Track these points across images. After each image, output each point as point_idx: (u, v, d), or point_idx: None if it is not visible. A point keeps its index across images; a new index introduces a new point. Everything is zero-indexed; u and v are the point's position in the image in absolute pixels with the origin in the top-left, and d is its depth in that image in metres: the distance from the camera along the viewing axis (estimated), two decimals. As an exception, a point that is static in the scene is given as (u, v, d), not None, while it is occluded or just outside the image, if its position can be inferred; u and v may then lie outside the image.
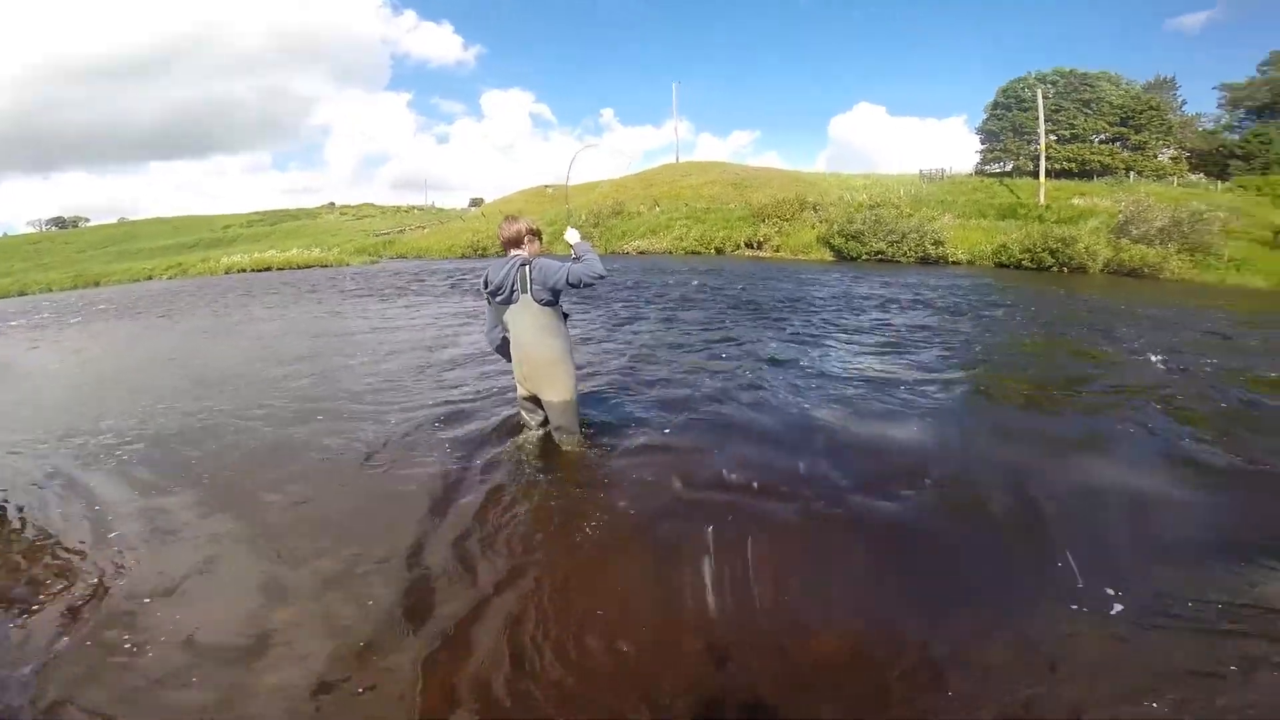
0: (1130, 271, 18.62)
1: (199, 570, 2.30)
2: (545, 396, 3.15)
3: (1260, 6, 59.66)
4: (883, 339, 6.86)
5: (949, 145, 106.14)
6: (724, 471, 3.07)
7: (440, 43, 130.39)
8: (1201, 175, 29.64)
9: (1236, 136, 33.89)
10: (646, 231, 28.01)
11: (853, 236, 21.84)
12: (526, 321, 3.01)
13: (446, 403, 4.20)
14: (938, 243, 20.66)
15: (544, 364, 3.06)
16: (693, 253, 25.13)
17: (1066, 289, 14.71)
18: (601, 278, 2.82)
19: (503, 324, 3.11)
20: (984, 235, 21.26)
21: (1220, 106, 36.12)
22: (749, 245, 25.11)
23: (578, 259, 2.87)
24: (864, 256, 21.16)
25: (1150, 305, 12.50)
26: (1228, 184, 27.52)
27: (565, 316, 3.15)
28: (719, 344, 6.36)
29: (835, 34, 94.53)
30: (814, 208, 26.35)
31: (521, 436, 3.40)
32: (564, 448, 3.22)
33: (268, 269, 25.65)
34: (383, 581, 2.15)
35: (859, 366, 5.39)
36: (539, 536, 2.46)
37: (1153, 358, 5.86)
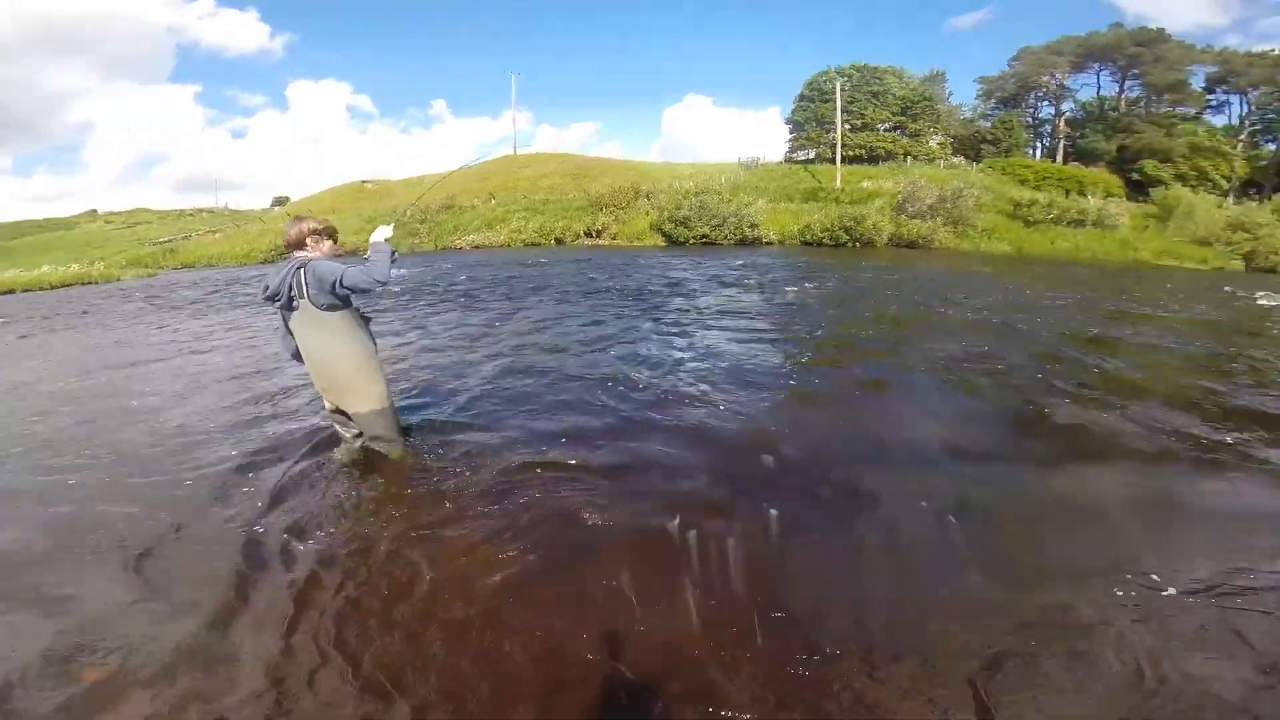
0: (909, 243, 21.66)
1: None
2: (350, 408, 2.95)
3: (1022, 7, 71.91)
4: (708, 314, 7.41)
5: (766, 134, 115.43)
6: (554, 455, 3.14)
7: (241, 30, 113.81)
8: (961, 158, 35.21)
9: (989, 124, 40.60)
10: (481, 225, 27.10)
11: (681, 222, 22.98)
12: (311, 329, 2.78)
13: (250, 439, 3.58)
14: (753, 225, 22.47)
15: (339, 374, 2.86)
16: (532, 244, 24.82)
17: (859, 261, 16.75)
18: (381, 284, 2.59)
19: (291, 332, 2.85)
20: (792, 217, 23.50)
21: (978, 97, 42.96)
22: (588, 234, 25.37)
23: (364, 261, 2.62)
24: (691, 241, 22.38)
25: (924, 270, 14.69)
26: (981, 165, 33.03)
27: (366, 320, 2.95)
28: (552, 331, 6.44)
29: (668, 23, 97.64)
30: (647, 196, 27.28)
31: (339, 451, 3.15)
32: (390, 456, 3.03)
33: (8, 292, 20.88)
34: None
35: (679, 346, 5.76)
36: (361, 556, 2.32)
37: (941, 309, 6.91)
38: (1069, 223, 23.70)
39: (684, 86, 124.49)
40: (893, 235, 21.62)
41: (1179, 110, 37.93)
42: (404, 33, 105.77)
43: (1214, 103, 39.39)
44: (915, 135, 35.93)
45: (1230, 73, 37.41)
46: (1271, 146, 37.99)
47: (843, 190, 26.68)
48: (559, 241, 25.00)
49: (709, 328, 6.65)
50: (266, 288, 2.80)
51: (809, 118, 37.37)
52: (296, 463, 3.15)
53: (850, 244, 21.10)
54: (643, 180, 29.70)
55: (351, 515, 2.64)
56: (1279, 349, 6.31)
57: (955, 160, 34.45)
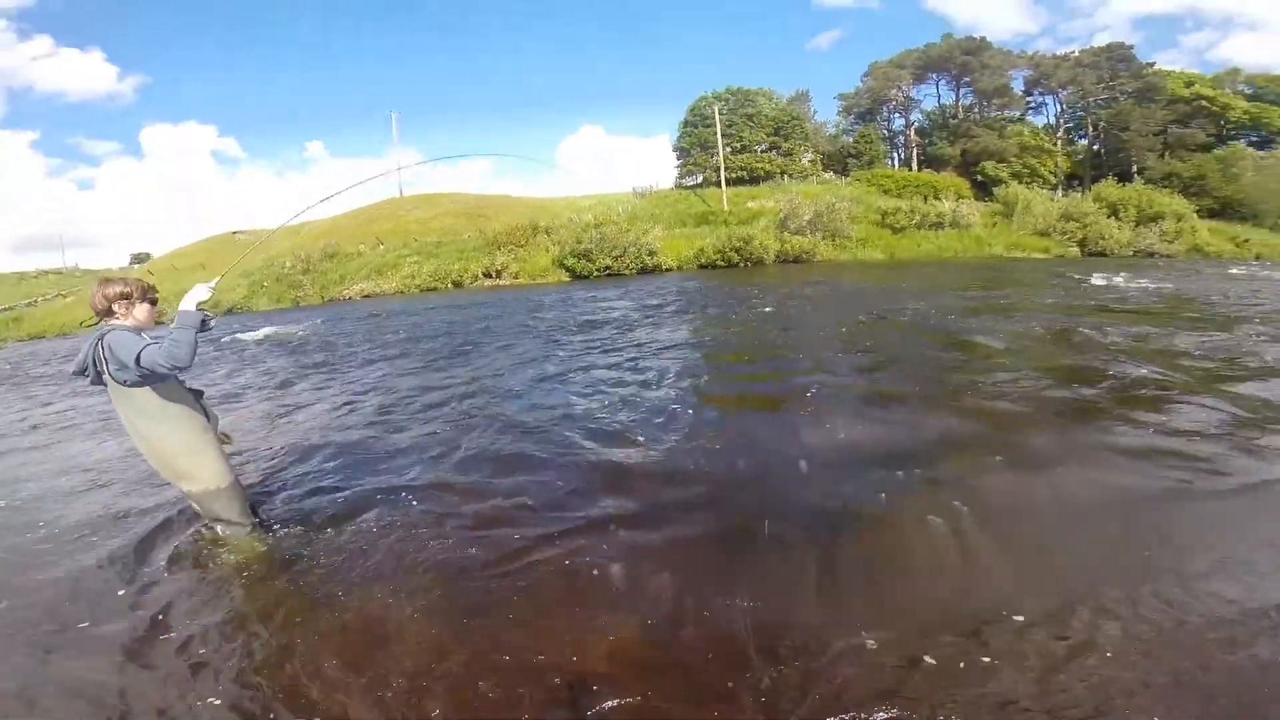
0: (794, 259, 23.06)
1: None
2: (184, 489, 2.68)
3: (870, 24, 78.96)
4: (605, 343, 7.36)
5: (658, 161, 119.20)
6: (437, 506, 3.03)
7: (85, 72, 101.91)
8: (831, 173, 38.15)
9: (851, 138, 44.23)
10: (371, 273, 25.86)
11: (583, 256, 23.15)
12: (124, 407, 2.50)
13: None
14: (652, 253, 23.05)
15: (163, 454, 2.59)
16: (429, 289, 23.97)
17: (752, 280, 17.63)
18: (180, 368, 2.28)
19: None
20: (687, 242, 24.37)
21: (839, 114, 46.68)
22: (487, 275, 24.88)
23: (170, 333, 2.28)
24: (595, 273, 22.59)
25: (810, 282, 15.64)
26: (849, 179, 35.94)
27: (194, 392, 2.68)
28: (444, 386, 6.15)
29: (560, 53, 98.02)
30: (547, 231, 27.22)
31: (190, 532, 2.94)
32: (233, 541, 2.77)
33: None
34: None
35: (559, 374, 5.63)
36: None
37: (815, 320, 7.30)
38: (930, 226, 26.31)
39: (579, 116, 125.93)
40: (779, 252, 22.98)
41: (1006, 113, 43.25)
42: (271, 69, 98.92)
43: (1033, 104, 45.21)
44: (789, 154, 38.51)
45: (1043, 75, 43.05)
46: (1083, 141, 44.33)
47: (730, 212, 28.05)
48: (457, 285, 24.33)
49: (595, 364, 6.67)
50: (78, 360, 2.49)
51: (694, 143, 39.03)
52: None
53: (742, 264, 22.20)
54: (541, 216, 29.65)
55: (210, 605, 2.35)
56: (1120, 322, 7.80)
57: (826, 176, 37.27)
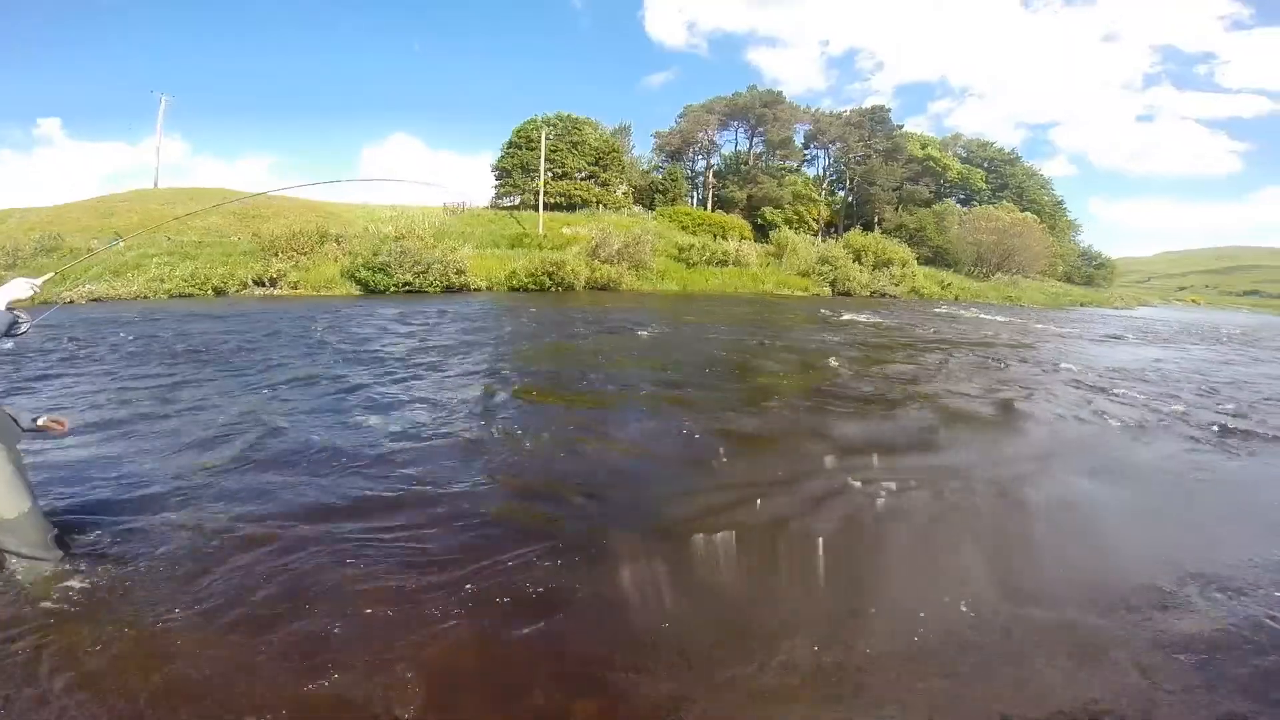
0: (602, 286, 24.14)
1: None
2: None
3: (698, 70, 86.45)
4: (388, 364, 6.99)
5: (479, 180, 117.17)
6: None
7: None
8: (640, 206, 40.88)
9: (660, 175, 47.91)
10: (104, 272, 21.26)
11: (379, 269, 21.58)
12: None
13: None
14: (460, 272, 22.36)
15: None
16: (182, 295, 20.35)
17: (560, 304, 18.07)
18: None
19: None
20: (498, 263, 24.13)
21: (653, 150, 50.32)
22: (260, 283, 21.92)
23: None
24: (393, 289, 21.19)
25: (613, 310, 16.51)
26: (655, 213, 38.80)
27: None
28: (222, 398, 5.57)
29: (369, 57, 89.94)
30: (337, 240, 24.90)
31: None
32: (27, 582, 2.42)
33: None
34: None
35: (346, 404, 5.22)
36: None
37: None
38: (717, 263, 29.47)
39: (391, 124, 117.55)
40: (589, 279, 23.87)
41: (787, 163, 50.46)
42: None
43: (809, 156, 53.45)
44: (605, 184, 40.44)
45: (820, 130, 51.07)
46: (842, 193, 53.44)
47: (545, 237, 28.46)
48: (219, 292, 21.03)
49: (382, 386, 6.40)
50: None
51: (516, 165, 38.95)
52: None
53: (553, 288, 22.59)
54: (332, 223, 27.04)
55: None
56: (868, 351, 10.14)
57: (636, 209, 39.82)
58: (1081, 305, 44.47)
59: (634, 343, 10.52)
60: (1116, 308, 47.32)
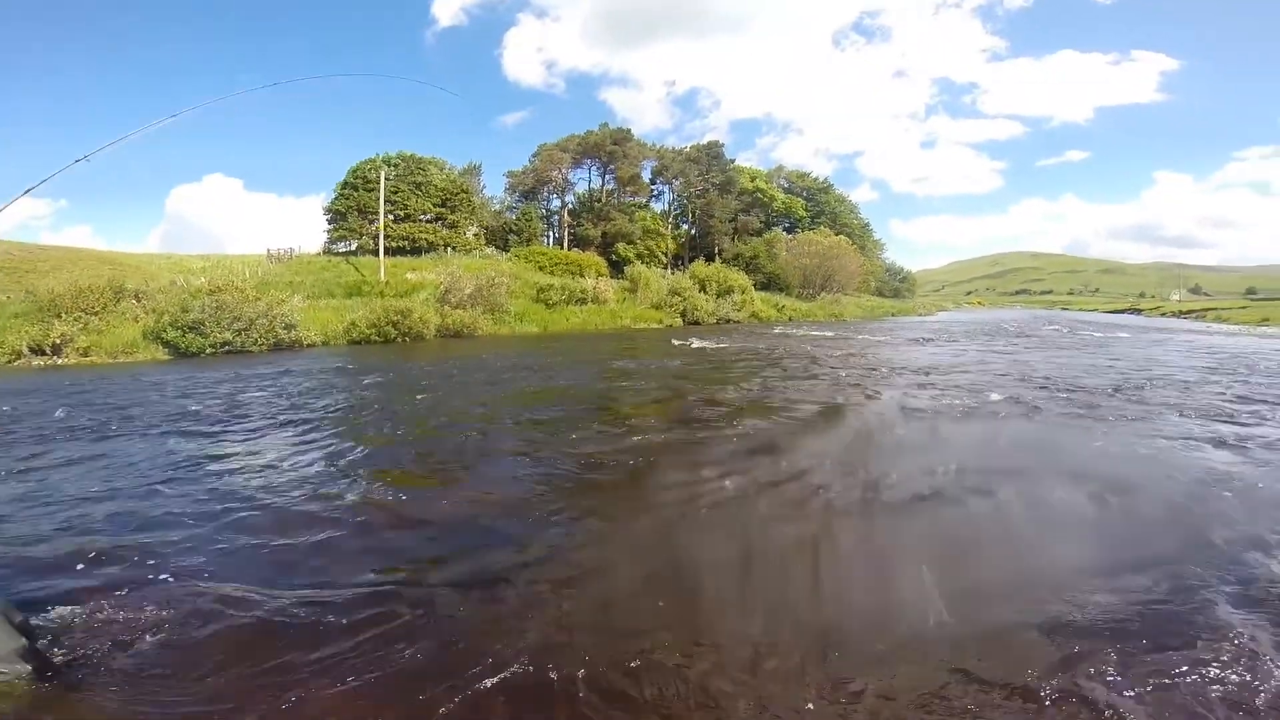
0: (455, 333, 23.63)
1: None
2: None
3: (552, 110, 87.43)
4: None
5: (307, 223, 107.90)
6: None
7: None
8: (493, 248, 40.60)
9: (514, 215, 47.93)
10: None
11: (191, 328, 19.31)
12: None
13: None
14: (289, 326, 20.68)
15: None
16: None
17: (409, 356, 17.45)
18: None
19: None
20: (334, 314, 22.63)
21: (505, 190, 50.16)
22: (37, 351, 18.55)
23: None
24: (209, 350, 19.05)
25: (469, 357, 16.39)
26: (509, 254, 38.77)
27: None
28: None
29: (181, 88, 78.97)
30: (136, 296, 21.86)
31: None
32: None
33: None
34: None
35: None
36: None
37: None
38: (576, 301, 30.26)
39: (205, 165, 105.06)
40: (440, 326, 23.24)
41: (636, 200, 53.04)
42: None
43: (656, 192, 56.52)
44: (454, 226, 39.65)
45: (664, 166, 54.22)
46: (686, 226, 57.18)
47: (387, 284, 27.20)
48: (-24, 367, 17.54)
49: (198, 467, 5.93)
50: None
51: (351, 207, 36.81)
52: None
53: (400, 338, 21.66)
54: (130, 276, 23.73)
55: None
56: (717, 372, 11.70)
57: (488, 250, 39.49)
58: (893, 315, 52.02)
59: (487, 390, 10.81)
60: (920, 315, 55.95)
